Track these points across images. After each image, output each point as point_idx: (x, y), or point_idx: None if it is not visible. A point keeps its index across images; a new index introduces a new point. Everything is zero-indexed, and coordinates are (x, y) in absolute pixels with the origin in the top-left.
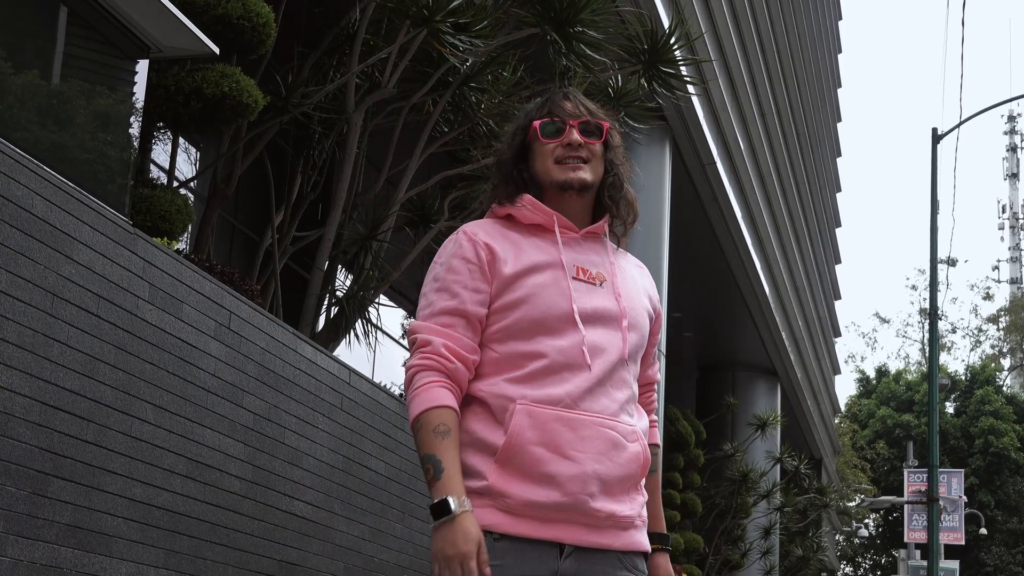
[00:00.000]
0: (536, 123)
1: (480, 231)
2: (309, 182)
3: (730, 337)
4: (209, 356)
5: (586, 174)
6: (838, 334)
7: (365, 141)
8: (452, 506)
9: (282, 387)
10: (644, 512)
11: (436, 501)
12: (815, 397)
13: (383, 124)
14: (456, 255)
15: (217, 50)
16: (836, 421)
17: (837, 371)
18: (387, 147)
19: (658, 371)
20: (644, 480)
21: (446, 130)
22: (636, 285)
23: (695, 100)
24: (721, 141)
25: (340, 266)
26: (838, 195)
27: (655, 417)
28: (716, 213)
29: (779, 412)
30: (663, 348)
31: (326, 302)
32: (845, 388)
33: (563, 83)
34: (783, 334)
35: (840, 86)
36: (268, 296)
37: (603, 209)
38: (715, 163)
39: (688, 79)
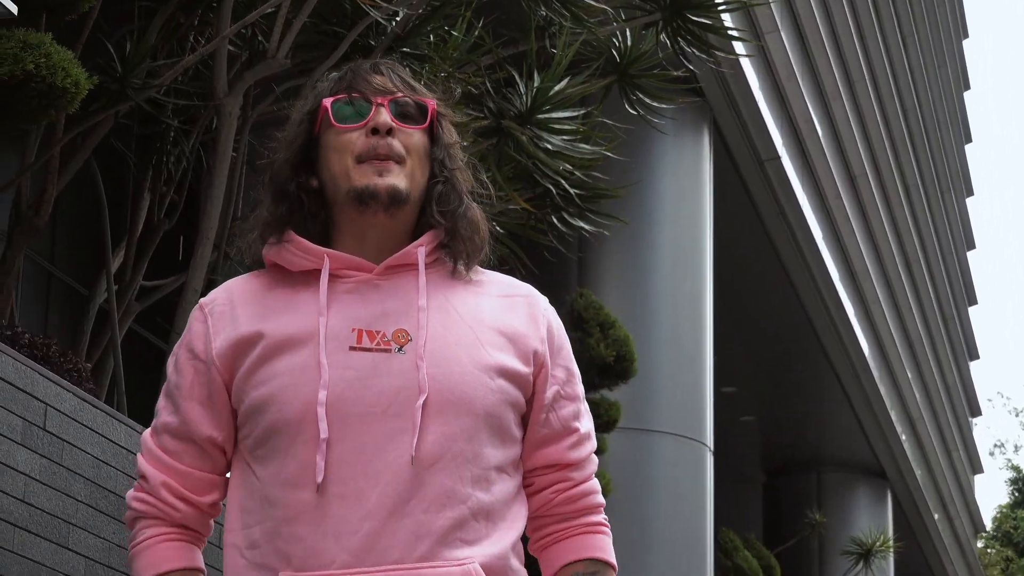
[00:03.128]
0: (327, 101)
1: (222, 297)
2: (163, 204)
3: (813, 422)
4: (15, 472)
5: (397, 178)
6: (977, 412)
7: (246, 139)
8: None
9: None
10: None
11: None
12: (944, 509)
13: (273, 113)
14: (183, 343)
15: (15, 9)
16: (979, 544)
17: (978, 469)
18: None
19: (582, 440)
20: None
21: None
22: (472, 331)
23: (746, 64)
24: (788, 125)
25: None
26: (968, 201)
27: (587, 519)
28: (783, 234)
29: (891, 533)
30: (708, 443)
31: None
32: (991, 494)
33: (542, 41)
34: (893, 415)
35: (966, 36)
36: (104, 379)
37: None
38: (779, 158)
39: (735, 32)
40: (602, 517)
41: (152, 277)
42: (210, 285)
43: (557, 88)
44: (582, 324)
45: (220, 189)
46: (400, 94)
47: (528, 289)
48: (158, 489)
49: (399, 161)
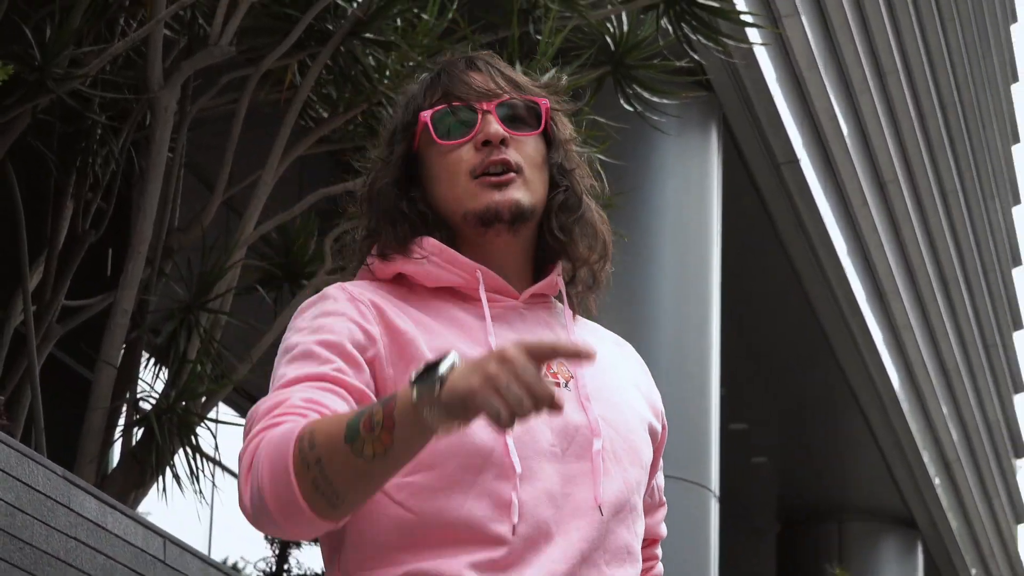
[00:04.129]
0: (425, 115)
1: (362, 290)
2: (88, 213)
3: (834, 464)
4: None
5: (519, 192)
6: (1022, 453)
7: (184, 138)
8: (445, 361)
9: (48, 573)
10: None
11: (419, 373)
12: (983, 564)
13: (215, 108)
14: (325, 312)
15: None
16: None
17: (1022, 518)
18: (223, 148)
19: (662, 517)
20: None
21: (324, 116)
22: (619, 377)
23: (761, 54)
24: (809, 123)
25: (146, 357)
26: (1015, 210)
27: None
28: (802, 249)
29: None
30: (713, 487)
31: (122, 421)
32: None
33: (525, 26)
34: (925, 456)
35: (1015, 21)
36: (20, 414)
37: (549, 252)
38: (798, 161)
39: (748, 16)
40: None
41: (76, 296)
42: (142, 306)
43: (544, 79)
44: None
45: (154, 196)
46: (506, 96)
47: (623, 340)
48: (295, 402)
49: (518, 171)
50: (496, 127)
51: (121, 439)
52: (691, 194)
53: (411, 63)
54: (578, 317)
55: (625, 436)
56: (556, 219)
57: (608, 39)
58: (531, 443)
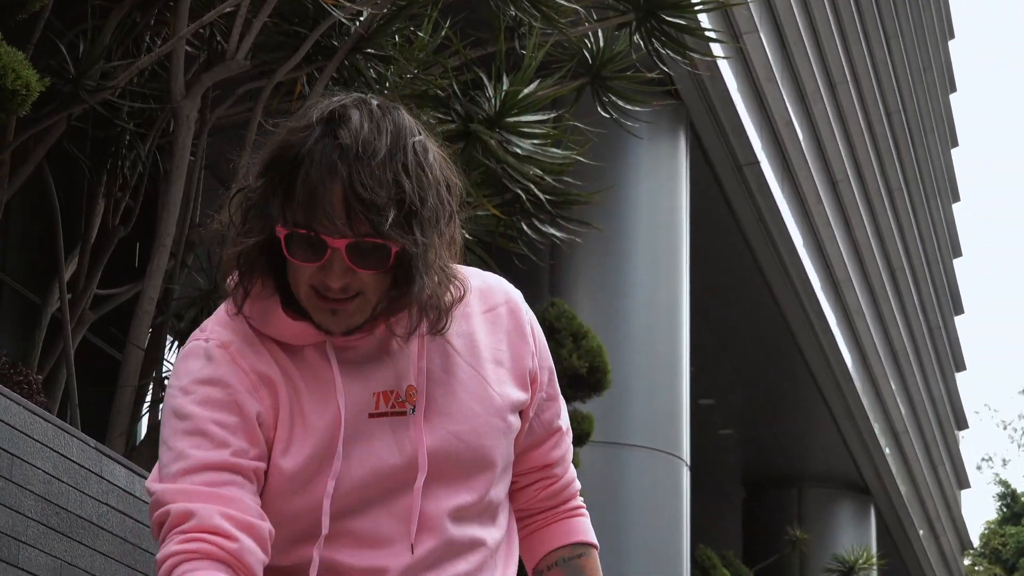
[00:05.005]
0: (281, 231)
1: (243, 346)
2: (118, 210)
3: (794, 436)
4: None
5: (352, 317)
6: (964, 425)
7: (204, 143)
8: None
9: (82, 535)
10: None
11: None
12: (930, 525)
13: (232, 116)
14: (210, 380)
15: None
16: (967, 562)
17: (965, 484)
18: (239, 151)
19: (563, 436)
20: None
21: None
22: (477, 368)
23: (724, 66)
24: (768, 128)
25: (171, 340)
26: (955, 207)
27: (568, 506)
28: (763, 242)
29: (874, 550)
30: (684, 457)
31: (148, 398)
32: (978, 510)
33: (511, 42)
34: (876, 428)
35: (952, 37)
36: (56, 392)
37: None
38: (758, 163)
39: (711, 33)
40: (580, 501)
41: (107, 285)
42: (167, 294)
43: (527, 91)
44: (554, 334)
45: (177, 195)
46: (355, 237)
47: (504, 293)
48: (212, 518)
49: (358, 295)
50: (339, 276)
51: (148, 414)
52: (662, 192)
53: (408, 75)
54: (449, 319)
55: (476, 444)
56: (411, 302)
57: (586, 53)
58: (373, 479)
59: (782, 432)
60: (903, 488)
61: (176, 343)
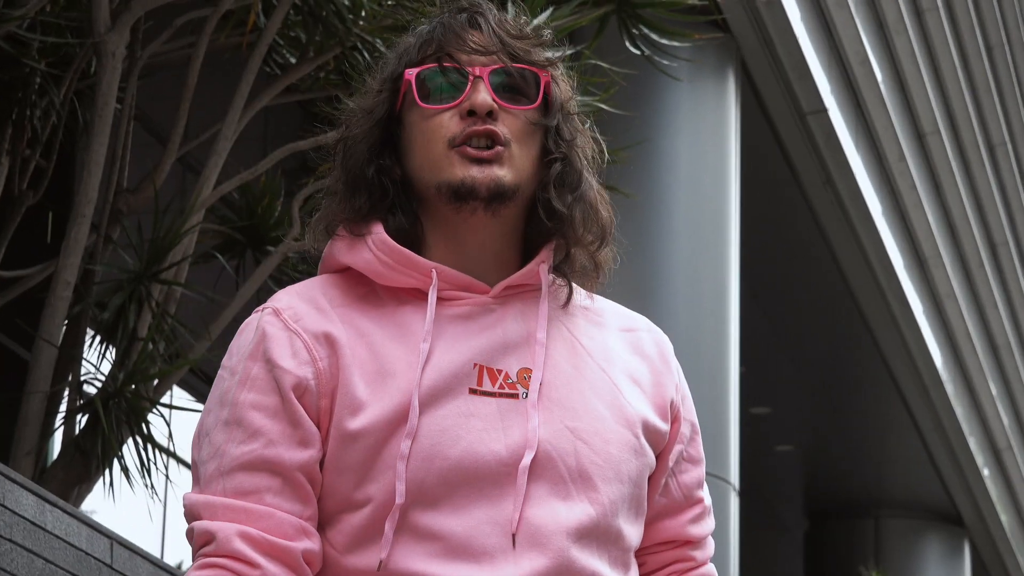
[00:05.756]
0: (411, 73)
1: (302, 308)
2: (26, 171)
3: (869, 453)
4: None
5: (501, 170)
6: None
7: (134, 87)
8: None
9: None
10: None
11: None
12: None
13: (168, 54)
14: (248, 353)
15: None
16: None
17: None
18: (178, 98)
19: (705, 514)
20: None
21: (292, 61)
22: (609, 375)
23: None
24: (839, 68)
25: (91, 334)
26: None
27: None
28: (832, 210)
29: None
30: (732, 479)
31: (63, 407)
32: None
33: None
34: (972, 443)
35: None
36: None
37: (541, 233)
38: (826, 111)
39: None
40: None
41: (11, 266)
42: (87, 276)
43: (536, 21)
44: None
45: (100, 152)
46: (500, 63)
47: (647, 322)
48: (231, 542)
49: (504, 144)
50: (485, 96)
51: (63, 427)
52: (706, 148)
53: (390, 2)
54: (575, 302)
55: (601, 449)
56: (550, 195)
57: None
58: (471, 465)
59: (854, 448)
60: (1004, 518)
61: (98, 338)
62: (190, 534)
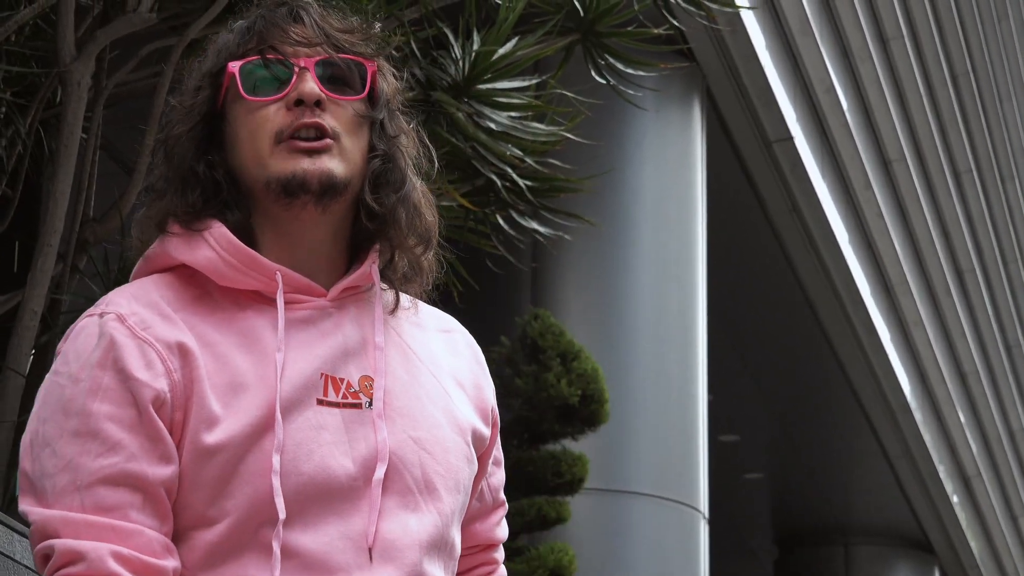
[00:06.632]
0: (234, 66)
1: (146, 314)
2: None
3: (838, 480)
4: None
5: (331, 161)
6: None
7: (99, 116)
8: None
9: None
10: None
11: None
12: None
13: (134, 84)
14: (106, 363)
15: None
16: None
17: None
18: (144, 127)
19: (504, 514)
20: None
21: None
22: (439, 379)
23: (749, 18)
24: (804, 95)
25: None
26: None
27: None
28: (798, 238)
29: None
30: (702, 507)
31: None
32: None
33: None
34: (941, 471)
35: None
36: None
37: (365, 233)
38: (792, 138)
39: None
40: None
41: None
42: (54, 306)
43: (502, 51)
44: (538, 354)
45: (66, 182)
46: (325, 55)
47: (456, 322)
48: (105, 562)
49: (334, 137)
50: (312, 86)
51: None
52: (672, 177)
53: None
54: (400, 306)
55: (442, 458)
56: (373, 194)
57: (576, 3)
58: (323, 480)
59: (823, 476)
60: (974, 545)
61: None
62: (44, 553)
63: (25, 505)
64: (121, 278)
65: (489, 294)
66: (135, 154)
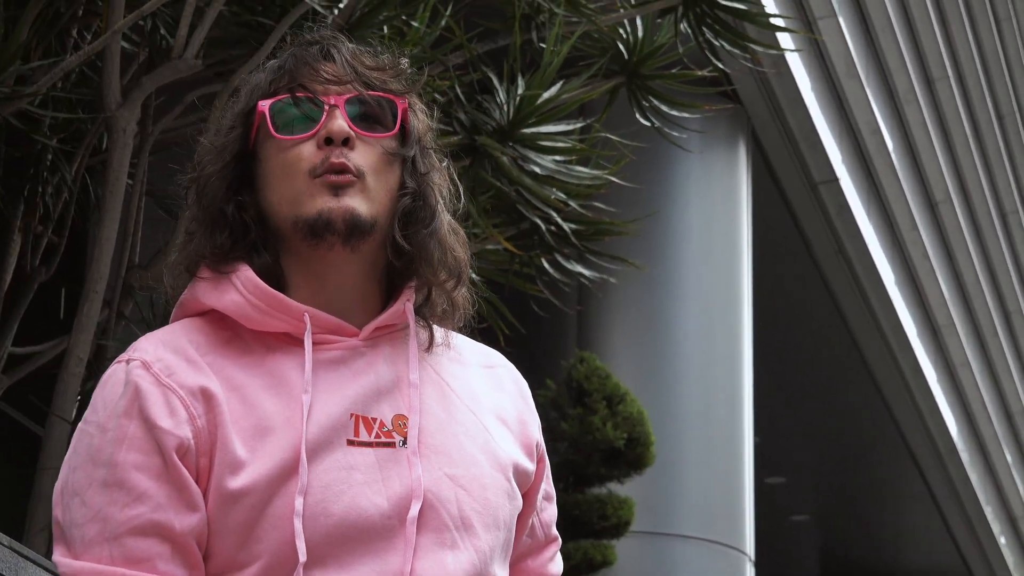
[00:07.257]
0: (264, 105)
1: (172, 360)
2: (38, 248)
3: (885, 522)
4: None
5: (356, 200)
6: None
7: (145, 163)
8: None
9: None
10: None
11: None
12: None
13: (180, 130)
14: (131, 413)
15: None
16: None
17: None
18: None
19: (558, 550)
20: None
21: None
22: (478, 417)
23: (794, 60)
24: (850, 138)
25: None
26: None
27: None
28: (844, 279)
29: None
30: (748, 550)
31: None
32: None
33: (528, 34)
34: (988, 512)
35: None
36: None
37: (398, 272)
38: (837, 180)
39: (779, 19)
40: None
41: (24, 342)
42: (99, 352)
43: (547, 95)
44: (583, 398)
45: (112, 228)
46: (356, 92)
47: (501, 357)
48: None
49: (359, 176)
50: (341, 123)
51: None
52: (717, 218)
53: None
54: (438, 343)
55: (479, 495)
56: (401, 230)
57: (621, 46)
58: (355, 520)
59: (869, 517)
60: None
61: None
62: None
63: (57, 555)
64: (167, 324)
65: (534, 337)
66: (181, 200)
